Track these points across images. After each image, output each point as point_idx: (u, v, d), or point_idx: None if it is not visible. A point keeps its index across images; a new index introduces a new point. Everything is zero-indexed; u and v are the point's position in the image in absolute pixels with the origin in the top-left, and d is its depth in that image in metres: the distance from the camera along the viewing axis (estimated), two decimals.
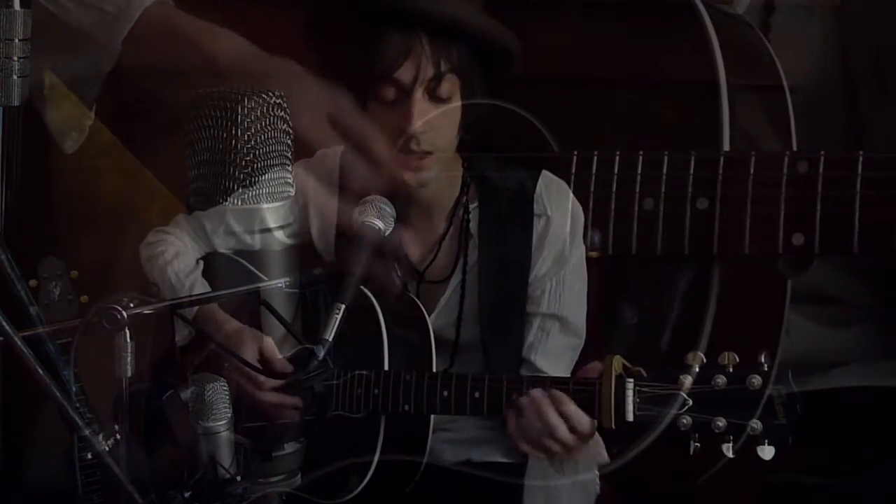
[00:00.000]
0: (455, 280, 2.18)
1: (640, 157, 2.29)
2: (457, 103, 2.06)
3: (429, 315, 2.15)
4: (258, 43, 2.23)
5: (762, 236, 2.21)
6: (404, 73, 2.02)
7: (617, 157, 2.30)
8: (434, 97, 2.05)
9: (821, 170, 2.18)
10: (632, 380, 1.89)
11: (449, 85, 2.05)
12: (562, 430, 1.93)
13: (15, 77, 1.63)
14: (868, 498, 2.32)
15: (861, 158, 2.16)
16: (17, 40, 1.63)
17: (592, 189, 2.29)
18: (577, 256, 2.18)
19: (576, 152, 2.31)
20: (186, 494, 1.69)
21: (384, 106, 2.06)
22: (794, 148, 2.28)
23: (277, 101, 1.91)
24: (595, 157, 2.31)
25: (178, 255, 2.09)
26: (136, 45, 2.30)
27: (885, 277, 2.44)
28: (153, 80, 2.35)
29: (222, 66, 2.19)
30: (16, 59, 1.63)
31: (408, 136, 2.04)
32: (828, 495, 2.36)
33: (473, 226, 2.18)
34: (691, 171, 2.26)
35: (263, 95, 1.90)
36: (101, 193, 2.64)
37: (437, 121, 2.05)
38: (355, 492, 2.07)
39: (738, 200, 2.23)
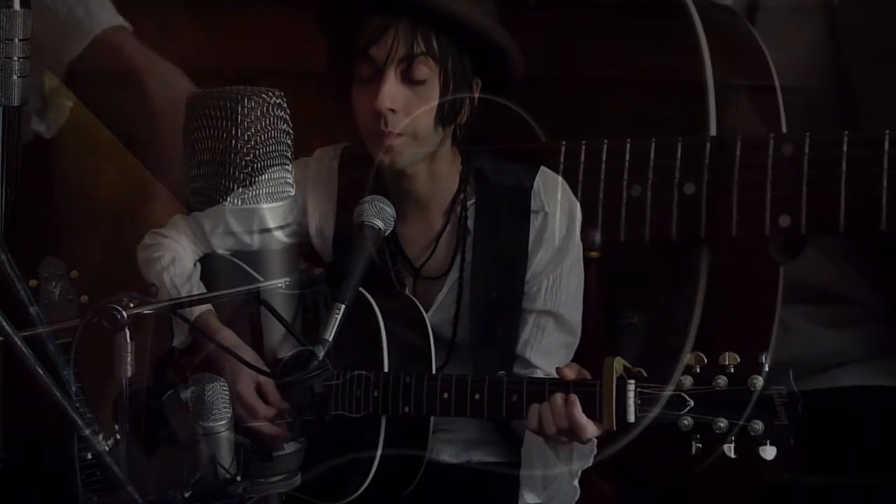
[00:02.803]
0: (452, 277, 2.18)
1: (628, 145, 2.29)
2: (433, 89, 2.07)
3: (426, 312, 2.15)
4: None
5: (749, 219, 2.22)
6: (378, 51, 2.04)
7: (605, 146, 2.30)
8: (407, 79, 2.06)
9: (806, 151, 2.19)
10: (633, 381, 1.89)
11: (424, 68, 2.05)
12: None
13: (15, 77, 1.63)
14: (868, 498, 2.32)
15: (846, 138, 2.16)
16: (17, 40, 1.63)
17: (581, 178, 2.30)
18: (575, 254, 2.18)
19: (564, 142, 2.32)
20: (186, 494, 1.69)
21: (362, 84, 2.08)
22: None
23: (277, 101, 1.91)
24: (583, 147, 2.31)
25: (174, 260, 2.09)
26: (85, 65, 2.31)
27: (884, 276, 2.44)
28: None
29: (156, 107, 2.20)
30: (16, 59, 1.63)
31: (378, 113, 2.04)
32: (827, 495, 2.36)
33: (471, 222, 2.18)
34: (678, 157, 2.26)
35: (263, 95, 1.90)
36: (101, 193, 2.64)
37: (408, 102, 2.06)
38: (357, 492, 2.07)
39: (724, 184, 2.23)
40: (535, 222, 2.17)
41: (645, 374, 1.90)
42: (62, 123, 2.57)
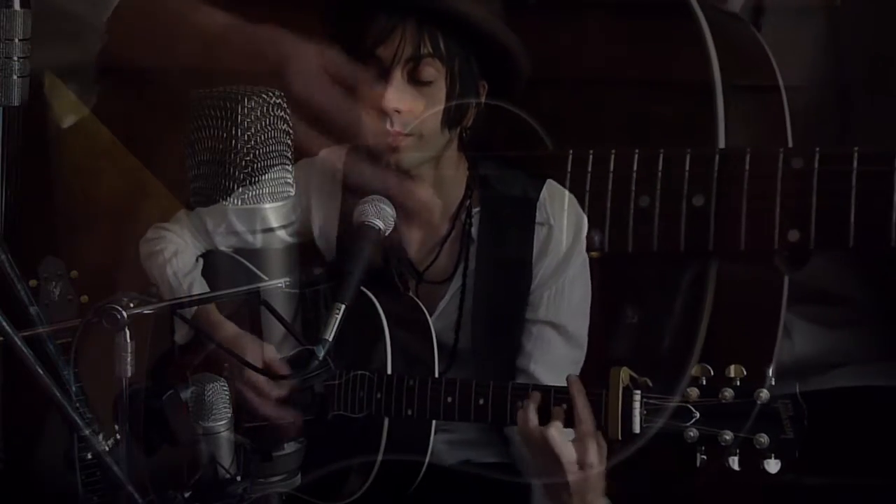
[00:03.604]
0: (455, 284, 2.18)
1: (636, 155, 2.29)
2: (439, 90, 2.06)
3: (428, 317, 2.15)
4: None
5: (758, 232, 2.22)
6: (384, 51, 2.04)
7: (613, 155, 2.30)
8: (414, 80, 2.06)
9: (816, 165, 2.19)
10: (639, 392, 1.88)
11: (431, 69, 2.05)
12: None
13: (15, 77, 1.63)
14: (868, 498, 2.32)
15: (856, 153, 2.16)
16: (17, 40, 1.63)
17: (588, 187, 2.29)
18: (579, 266, 2.17)
19: (571, 151, 2.31)
20: (186, 494, 1.69)
21: (369, 84, 2.07)
22: (790, 146, 2.29)
23: (277, 101, 1.91)
24: (591, 156, 2.31)
25: (177, 253, 2.09)
26: (121, 22, 2.31)
27: (886, 276, 2.44)
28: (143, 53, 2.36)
29: (209, 39, 2.19)
30: (16, 59, 1.63)
31: (384, 113, 2.04)
32: (826, 495, 2.36)
33: (475, 230, 2.18)
34: (687, 168, 2.26)
35: (263, 95, 1.90)
36: (101, 193, 2.64)
37: (415, 103, 2.06)
38: (358, 493, 2.07)
39: (733, 197, 2.23)
40: (539, 234, 2.17)
41: (650, 385, 1.89)
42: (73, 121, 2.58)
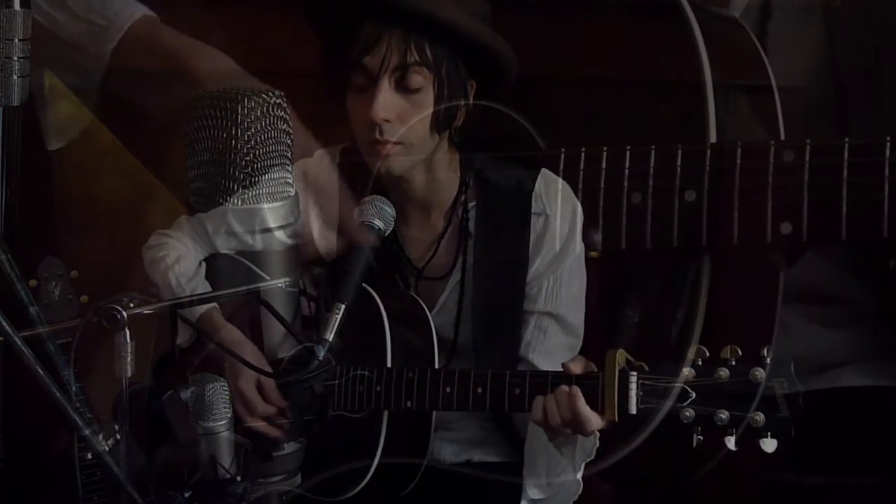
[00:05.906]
0: (454, 279, 2.18)
1: (628, 152, 2.29)
2: (427, 96, 2.07)
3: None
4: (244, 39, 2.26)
5: (750, 226, 2.22)
6: (371, 60, 2.04)
7: (605, 153, 2.30)
8: (402, 88, 2.06)
9: (807, 158, 2.19)
10: (635, 373, 1.90)
11: (418, 77, 2.05)
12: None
13: (15, 77, 1.63)
14: (868, 498, 2.32)
15: (847, 145, 2.16)
16: (17, 40, 1.63)
17: (581, 185, 2.29)
18: (576, 255, 2.18)
19: (563, 149, 2.32)
20: (186, 494, 1.69)
21: (357, 93, 2.08)
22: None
23: (277, 101, 1.91)
24: (583, 154, 2.31)
25: (179, 259, 2.08)
26: (123, 56, 2.34)
27: (885, 276, 2.44)
28: (145, 85, 2.39)
29: (203, 82, 2.23)
30: (16, 59, 1.63)
31: (372, 123, 2.04)
32: (827, 495, 2.36)
33: (472, 225, 2.18)
34: (678, 164, 2.26)
35: (263, 95, 1.90)
36: (101, 193, 2.64)
37: (403, 111, 2.06)
38: (356, 490, 2.07)
39: (725, 191, 2.23)
40: (536, 225, 2.17)
41: (646, 368, 1.90)
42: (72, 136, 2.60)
